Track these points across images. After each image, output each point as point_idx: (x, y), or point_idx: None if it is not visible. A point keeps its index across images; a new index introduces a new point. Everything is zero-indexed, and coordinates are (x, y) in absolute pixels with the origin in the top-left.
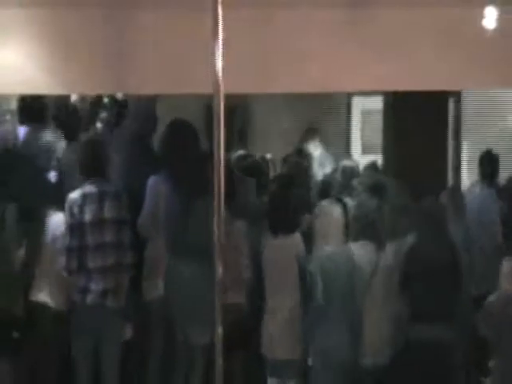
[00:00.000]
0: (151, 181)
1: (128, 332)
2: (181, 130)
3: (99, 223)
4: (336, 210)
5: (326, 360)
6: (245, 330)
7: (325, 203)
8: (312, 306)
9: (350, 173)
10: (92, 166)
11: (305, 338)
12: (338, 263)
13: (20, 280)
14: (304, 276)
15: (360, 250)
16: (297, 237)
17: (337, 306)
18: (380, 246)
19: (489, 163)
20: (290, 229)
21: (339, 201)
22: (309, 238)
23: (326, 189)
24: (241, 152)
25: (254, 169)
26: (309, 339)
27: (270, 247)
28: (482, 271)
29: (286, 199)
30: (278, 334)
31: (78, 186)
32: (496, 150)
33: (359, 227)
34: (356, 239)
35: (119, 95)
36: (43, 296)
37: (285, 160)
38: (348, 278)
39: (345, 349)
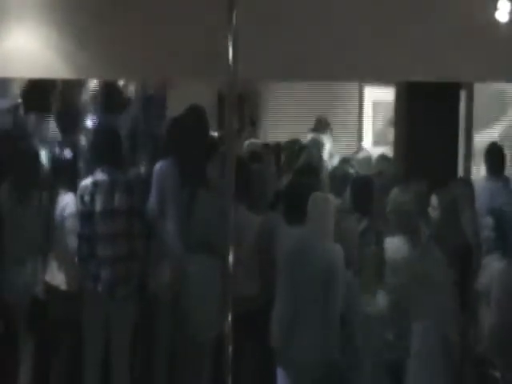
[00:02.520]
0: (158, 166)
1: (137, 318)
2: (193, 117)
3: (110, 212)
4: (329, 203)
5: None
6: (255, 322)
7: (318, 194)
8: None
9: (364, 163)
10: (104, 153)
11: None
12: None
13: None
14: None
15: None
16: None
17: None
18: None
19: (493, 156)
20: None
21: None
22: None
23: (337, 179)
24: (251, 140)
25: (259, 157)
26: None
27: (284, 236)
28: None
29: (304, 189)
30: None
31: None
32: (508, 143)
33: (396, 221)
34: (393, 233)
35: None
36: (56, 278)
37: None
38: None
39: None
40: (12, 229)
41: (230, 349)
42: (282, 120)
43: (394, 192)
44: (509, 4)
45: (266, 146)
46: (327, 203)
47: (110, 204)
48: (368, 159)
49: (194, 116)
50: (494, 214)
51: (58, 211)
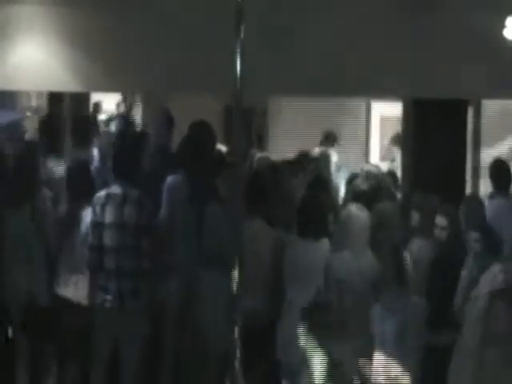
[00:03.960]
0: (169, 181)
1: (146, 332)
2: (201, 132)
3: (118, 225)
4: (363, 215)
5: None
6: (261, 334)
7: (352, 208)
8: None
9: (373, 178)
10: (120, 167)
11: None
12: (358, 271)
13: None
14: (329, 283)
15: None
16: (325, 242)
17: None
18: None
19: (498, 172)
20: (320, 233)
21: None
22: (334, 243)
23: (350, 194)
24: (262, 154)
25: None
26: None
27: (296, 249)
28: None
29: (320, 203)
30: (294, 338)
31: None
32: None
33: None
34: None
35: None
36: (69, 290)
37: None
38: (367, 287)
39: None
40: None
41: (238, 363)
42: (290, 134)
43: (381, 206)
44: None
45: (287, 161)
46: (363, 214)
47: (118, 216)
48: (376, 174)
49: (199, 131)
50: None
51: (83, 226)
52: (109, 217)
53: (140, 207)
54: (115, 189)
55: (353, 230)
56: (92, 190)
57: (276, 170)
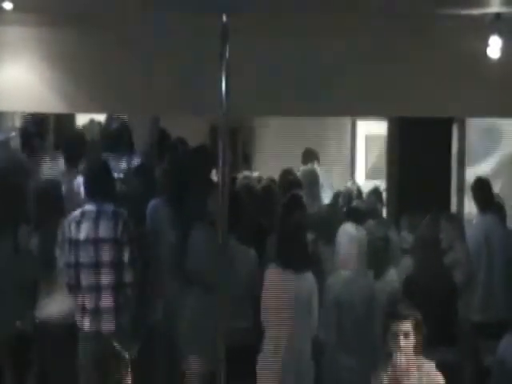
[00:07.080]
0: (151, 204)
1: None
2: (201, 158)
3: (94, 241)
4: (360, 234)
5: None
6: (246, 353)
7: (346, 226)
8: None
9: (352, 197)
10: (94, 186)
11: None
12: (358, 290)
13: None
14: (328, 304)
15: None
16: (309, 276)
17: (352, 335)
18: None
19: (479, 191)
20: (302, 267)
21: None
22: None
23: (334, 213)
24: (245, 173)
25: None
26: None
27: (274, 279)
28: (486, 298)
29: (304, 235)
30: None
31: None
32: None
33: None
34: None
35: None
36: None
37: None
38: (366, 306)
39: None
40: None
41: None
42: (277, 152)
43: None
44: (500, 40)
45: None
46: (359, 233)
47: (94, 232)
48: (359, 192)
49: (201, 157)
50: None
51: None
52: (84, 233)
53: (115, 221)
54: (89, 207)
55: (350, 249)
56: (62, 212)
57: (252, 190)
